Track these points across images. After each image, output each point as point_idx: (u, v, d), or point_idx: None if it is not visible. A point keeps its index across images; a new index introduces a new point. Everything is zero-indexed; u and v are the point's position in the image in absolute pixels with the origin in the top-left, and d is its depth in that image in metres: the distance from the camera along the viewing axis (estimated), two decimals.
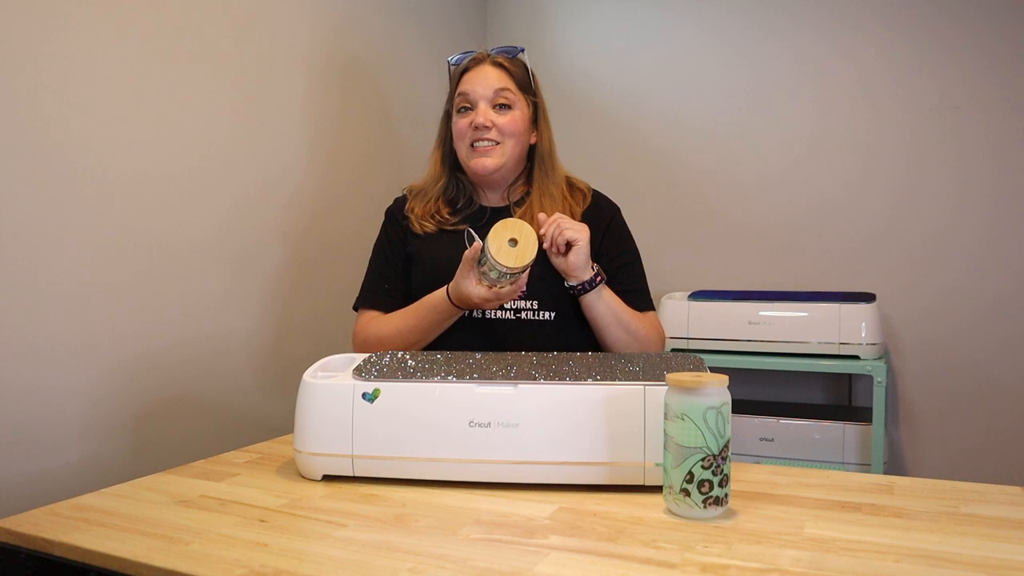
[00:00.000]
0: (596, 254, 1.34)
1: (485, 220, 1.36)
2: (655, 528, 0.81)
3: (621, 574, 0.70)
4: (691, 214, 2.35)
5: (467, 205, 1.39)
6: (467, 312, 1.28)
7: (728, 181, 2.31)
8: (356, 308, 1.40)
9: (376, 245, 1.43)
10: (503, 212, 1.37)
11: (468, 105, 1.34)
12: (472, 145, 1.33)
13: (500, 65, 1.35)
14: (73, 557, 0.78)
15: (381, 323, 1.33)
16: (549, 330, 1.29)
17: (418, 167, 1.48)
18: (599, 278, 1.27)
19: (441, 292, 1.25)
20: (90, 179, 1.30)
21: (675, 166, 2.37)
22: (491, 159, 1.33)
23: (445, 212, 1.37)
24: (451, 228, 1.36)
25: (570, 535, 0.80)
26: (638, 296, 1.37)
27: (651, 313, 1.38)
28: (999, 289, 2.04)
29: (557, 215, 1.26)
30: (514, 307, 1.29)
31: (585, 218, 1.35)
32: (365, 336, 1.34)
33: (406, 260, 1.38)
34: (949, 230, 2.09)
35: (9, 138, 1.19)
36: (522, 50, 1.39)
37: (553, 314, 1.29)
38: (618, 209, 1.42)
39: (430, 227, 1.36)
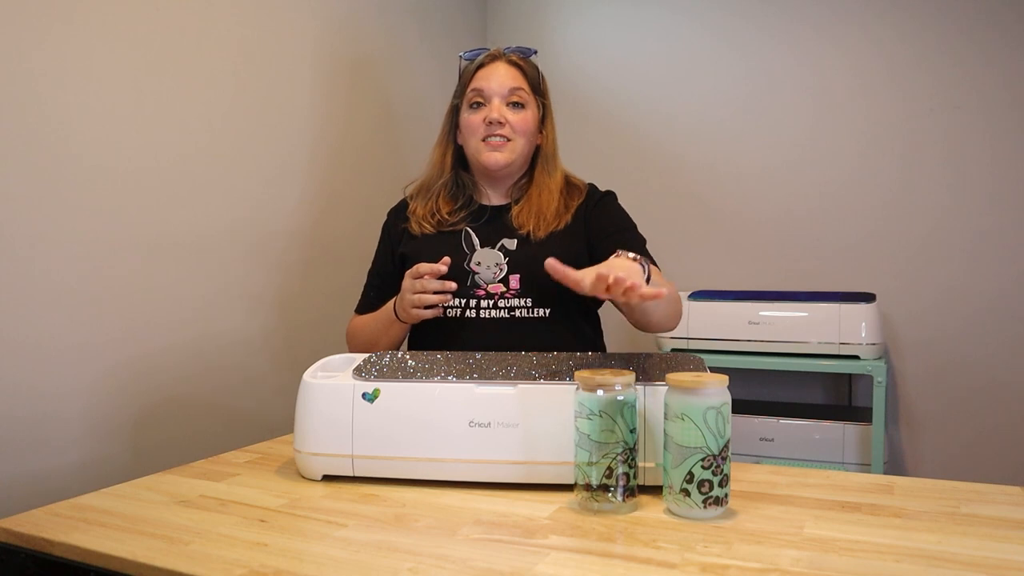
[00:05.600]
0: (587, 229, 1.35)
1: (485, 219, 1.37)
2: (655, 528, 0.81)
3: (621, 574, 0.70)
4: (691, 214, 2.35)
5: (467, 204, 1.39)
6: (459, 312, 1.30)
7: (728, 181, 2.31)
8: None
9: (375, 253, 1.48)
10: (504, 210, 1.37)
11: (482, 101, 1.35)
12: (484, 140, 1.34)
13: (515, 64, 1.37)
14: (73, 557, 0.78)
15: (355, 323, 1.43)
16: (543, 327, 1.29)
17: (420, 166, 1.48)
18: (647, 268, 1.08)
19: (392, 303, 1.32)
20: (90, 178, 1.30)
21: (675, 165, 2.37)
22: (502, 154, 1.34)
23: (445, 211, 1.38)
24: (449, 229, 1.36)
25: (570, 535, 0.80)
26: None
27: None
28: (999, 289, 2.04)
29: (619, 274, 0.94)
30: (508, 306, 1.30)
31: (579, 211, 1.37)
32: (347, 336, 1.45)
33: (399, 263, 1.39)
34: (949, 230, 2.09)
35: (9, 137, 1.19)
36: (535, 52, 1.42)
37: (548, 311, 1.30)
38: (609, 192, 1.43)
39: (429, 228, 1.37)
